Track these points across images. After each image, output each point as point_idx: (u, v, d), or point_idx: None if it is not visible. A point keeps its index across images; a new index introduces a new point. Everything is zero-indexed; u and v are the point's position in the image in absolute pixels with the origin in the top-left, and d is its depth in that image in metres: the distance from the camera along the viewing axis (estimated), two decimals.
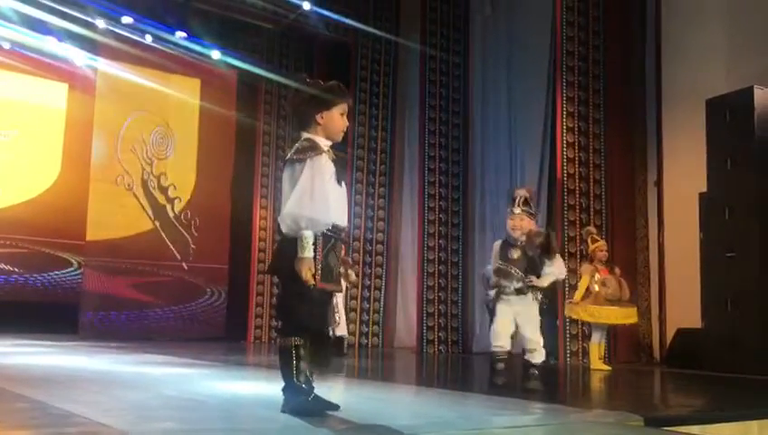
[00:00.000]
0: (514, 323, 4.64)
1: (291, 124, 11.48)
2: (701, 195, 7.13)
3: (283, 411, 3.05)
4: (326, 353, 3.26)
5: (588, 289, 6.75)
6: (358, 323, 10.85)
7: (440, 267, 10.08)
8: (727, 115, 6.72)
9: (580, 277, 6.90)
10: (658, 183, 8.07)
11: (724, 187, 6.71)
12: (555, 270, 4.66)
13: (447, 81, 10.57)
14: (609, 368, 6.64)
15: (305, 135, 3.22)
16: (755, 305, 6.34)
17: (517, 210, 4.67)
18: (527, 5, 10.01)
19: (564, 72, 8.05)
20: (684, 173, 7.69)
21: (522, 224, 4.65)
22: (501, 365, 4.59)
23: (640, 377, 6.55)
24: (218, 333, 12.01)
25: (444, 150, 10.39)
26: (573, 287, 7.05)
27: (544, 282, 4.62)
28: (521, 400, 4.03)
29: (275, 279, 3.23)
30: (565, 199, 7.91)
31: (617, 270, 6.82)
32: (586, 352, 7.19)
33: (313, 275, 3.00)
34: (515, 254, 4.63)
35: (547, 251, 4.61)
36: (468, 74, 10.78)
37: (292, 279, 3.02)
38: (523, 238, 4.64)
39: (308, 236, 3.00)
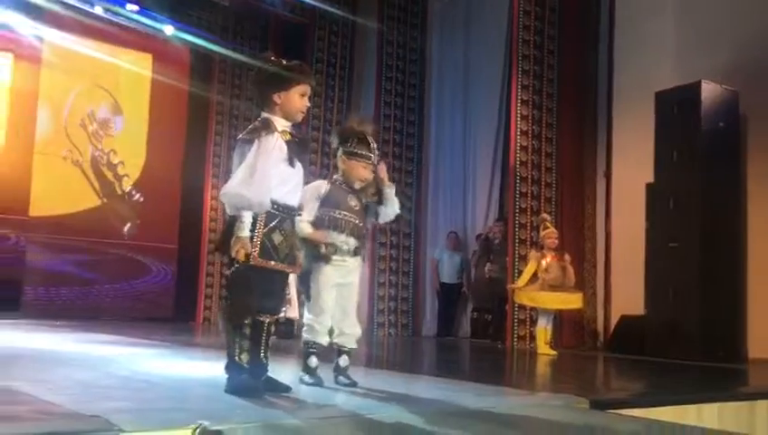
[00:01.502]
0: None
1: (246, 103, 11.34)
2: (648, 185, 7.29)
3: (226, 391, 3.03)
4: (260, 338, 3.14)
5: (535, 274, 6.90)
6: None
7: (391, 251, 10.14)
8: (675, 108, 6.88)
9: (528, 263, 7.04)
10: (608, 173, 8.22)
11: (670, 178, 6.88)
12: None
13: (404, 66, 10.59)
14: (555, 353, 6.78)
15: (263, 114, 3.20)
16: (696, 294, 6.54)
17: (375, 159, 3.64)
18: None
19: (520, 61, 8.13)
20: (632, 164, 7.85)
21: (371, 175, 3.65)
22: (316, 360, 3.54)
23: (585, 362, 6.71)
24: (166, 314, 11.84)
25: (398, 135, 10.43)
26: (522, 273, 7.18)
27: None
28: (468, 382, 4.10)
29: (226, 259, 3.19)
30: (517, 187, 8.01)
31: (567, 257, 6.96)
32: (533, 337, 7.33)
33: (248, 254, 2.98)
34: (353, 201, 3.59)
35: (380, 202, 3.67)
36: (425, 60, 10.81)
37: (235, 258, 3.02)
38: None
39: (245, 215, 3.00)
